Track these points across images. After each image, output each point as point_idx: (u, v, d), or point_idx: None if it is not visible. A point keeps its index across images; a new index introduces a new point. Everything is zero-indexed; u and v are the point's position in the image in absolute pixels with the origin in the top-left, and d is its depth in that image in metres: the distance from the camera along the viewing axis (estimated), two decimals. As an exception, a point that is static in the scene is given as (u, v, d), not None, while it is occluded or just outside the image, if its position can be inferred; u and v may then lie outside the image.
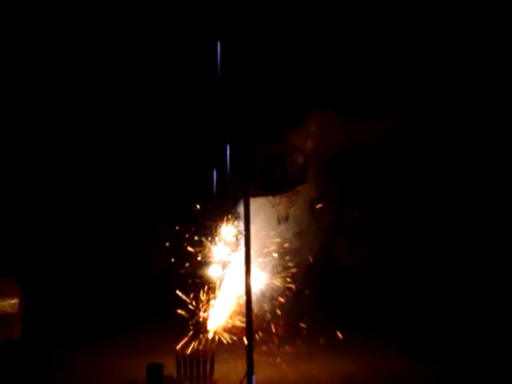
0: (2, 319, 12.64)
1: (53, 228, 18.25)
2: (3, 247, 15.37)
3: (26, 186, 17.99)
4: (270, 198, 11.50)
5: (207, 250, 11.98)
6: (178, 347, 11.58)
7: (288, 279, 11.97)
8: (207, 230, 12.04)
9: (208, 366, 11.51)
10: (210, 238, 11.97)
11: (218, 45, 10.50)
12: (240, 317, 11.55)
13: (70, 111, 17.98)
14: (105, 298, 17.76)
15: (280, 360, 12.29)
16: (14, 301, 12.91)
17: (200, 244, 12.00)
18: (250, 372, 9.57)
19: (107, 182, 18.67)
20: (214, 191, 12.39)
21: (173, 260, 12.39)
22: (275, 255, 12.04)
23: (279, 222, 11.72)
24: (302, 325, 12.70)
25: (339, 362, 12.61)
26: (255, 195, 10.59)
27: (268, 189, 11.08)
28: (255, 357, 9.57)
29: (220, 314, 11.96)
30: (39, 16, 16.62)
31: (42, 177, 18.03)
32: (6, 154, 17.38)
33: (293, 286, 11.94)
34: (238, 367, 10.86)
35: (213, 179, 12.28)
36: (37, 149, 17.98)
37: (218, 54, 10.49)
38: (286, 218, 11.82)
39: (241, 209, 10.28)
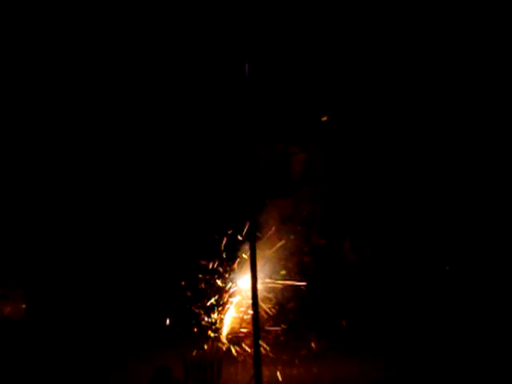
0: (7, 324, 12.69)
1: (64, 234, 18.16)
2: (14, 255, 15.36)
3: (41, 194, 17.88)
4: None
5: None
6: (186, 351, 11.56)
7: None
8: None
9: (215, 368, 11.47)
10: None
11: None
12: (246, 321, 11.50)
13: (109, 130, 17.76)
14: (112, 304, 17.73)
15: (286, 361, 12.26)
16: (19, 306, 12.95)
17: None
18: (257, 374, 9.51)
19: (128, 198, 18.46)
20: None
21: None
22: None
23: (284, 221, 11.70)
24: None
25: (349, 363, 12.53)
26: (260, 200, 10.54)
27: (273, 190, 11.05)
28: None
29: (229, 318, 11.93)
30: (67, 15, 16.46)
31: (61, 185, 17.87)
32: (29, 160, 17.24)
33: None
34: (246, 369, 10.80)
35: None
36: (57, 157, 17.81)
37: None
38: (291, 218, 11.78)
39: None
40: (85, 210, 17.45)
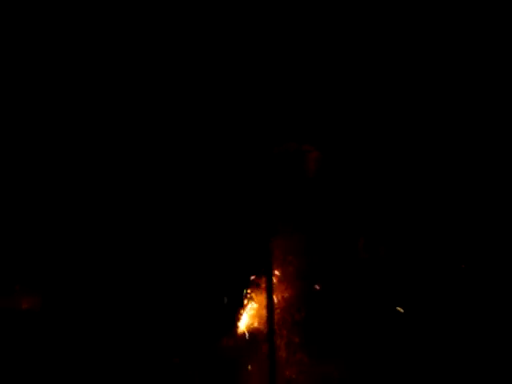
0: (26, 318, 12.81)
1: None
2: (30, 250, 15.41)
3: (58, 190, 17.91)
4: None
5: None
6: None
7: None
8: None
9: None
10: None
11: None
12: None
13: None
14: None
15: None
16: (37, 300, 13.04)
17: None
18: (272, 374, 9.55)
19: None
20: None
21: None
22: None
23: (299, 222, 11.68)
24: None
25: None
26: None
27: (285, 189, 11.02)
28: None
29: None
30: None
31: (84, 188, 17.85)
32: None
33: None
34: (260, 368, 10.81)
35: None
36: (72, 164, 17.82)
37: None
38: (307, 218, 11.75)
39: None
40: (105, 211, 17.52)
